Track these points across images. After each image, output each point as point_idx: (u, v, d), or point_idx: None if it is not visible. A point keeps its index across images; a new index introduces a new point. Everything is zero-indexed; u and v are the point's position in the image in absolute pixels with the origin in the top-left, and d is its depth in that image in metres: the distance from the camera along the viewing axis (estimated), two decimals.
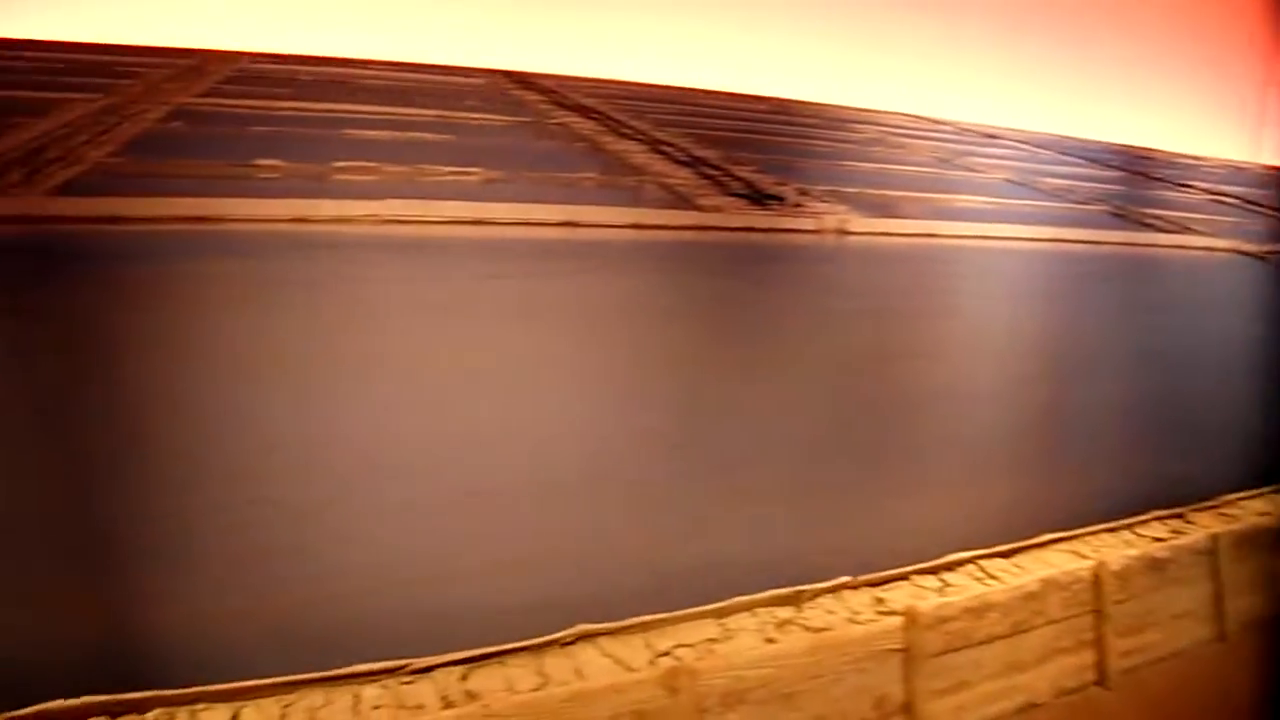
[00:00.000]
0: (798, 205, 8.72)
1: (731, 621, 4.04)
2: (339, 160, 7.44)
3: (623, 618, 3.77)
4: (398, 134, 9.46)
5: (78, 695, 2.84)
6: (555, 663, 3.50)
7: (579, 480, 4.28)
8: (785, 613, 4.18)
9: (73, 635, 3.06)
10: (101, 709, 2.83)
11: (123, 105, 6.70)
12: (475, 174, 8.90)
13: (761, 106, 16.93)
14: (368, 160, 8.01)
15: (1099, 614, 4.81)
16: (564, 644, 3.58)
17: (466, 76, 14.97)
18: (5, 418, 3.03)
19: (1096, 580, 4.82)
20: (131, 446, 3.59)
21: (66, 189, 4.69)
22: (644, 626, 3.83)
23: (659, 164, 10.11)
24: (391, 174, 8.19)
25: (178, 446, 3.70)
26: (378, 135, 9.06)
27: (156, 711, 2.88)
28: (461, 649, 3.37)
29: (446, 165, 8.98)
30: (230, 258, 4.56)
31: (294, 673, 3.03)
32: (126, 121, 6.37)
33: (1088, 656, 4.80)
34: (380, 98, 10.92)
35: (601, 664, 3.56)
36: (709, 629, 3.95)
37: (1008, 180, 12.46)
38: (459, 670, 3.32)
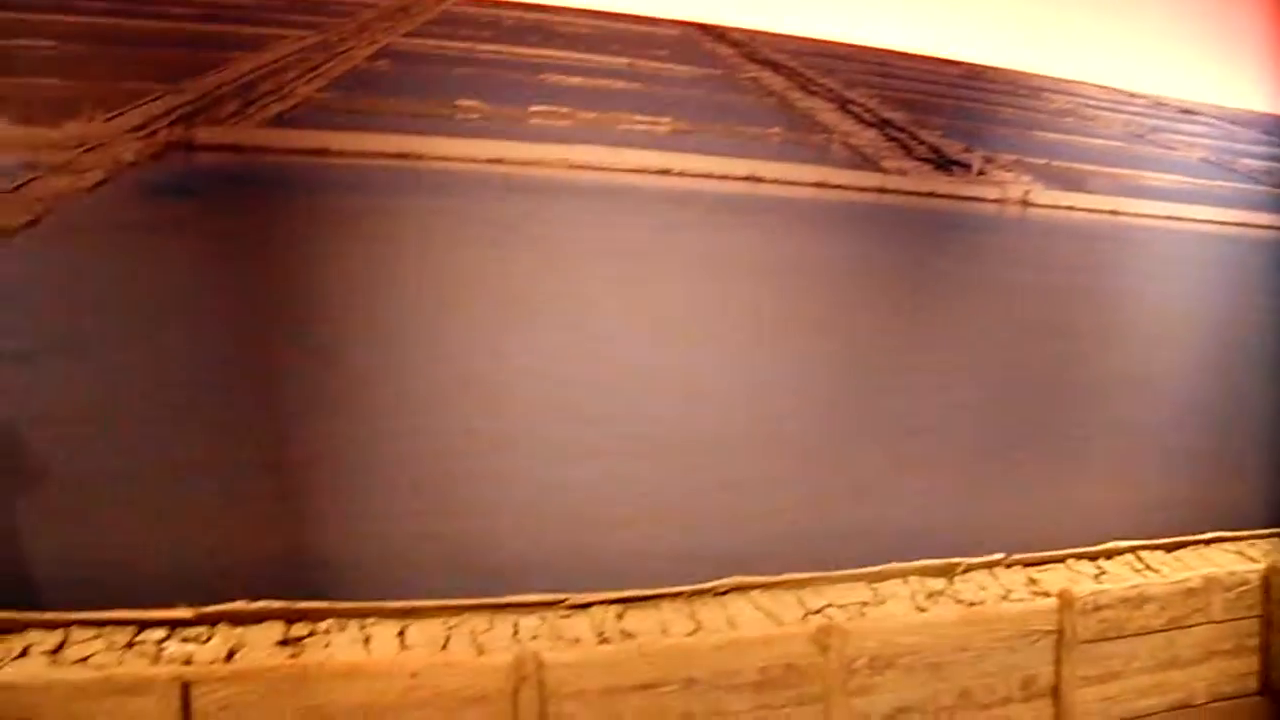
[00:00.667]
0: (982, 173, 8.25)
1: (883, 587, 3.98)
2: (535, 104, 7.40)
3: (776, 573, 3.75)
4: (592, 81, 9.39)
5: (258, 599, 2.93)
6: (707, 611, 3.52)
7: (743, 434, 4.28)
8: (937, 584, 4.08)
9: (258, 544, 3.17)
10: (278, 614, 2.92)
11: (333, 43, 6.81)
12: (664, 124, 8.75)
13: (953, 70, 16.13)
14: (562, 105, 7.95)
15: (1267, 621, 4.38)
16: (717, 593, 3.58)
17: (661, 27, 14.80)
18: (211, 334, 3.06)
19: (1266, 585, 4.39)
20: (328, 369, 3.66)
21: (278, 121, 4.77)
22: (797, 584, 3.80)
23: (846, 123, 9.73)
24: (584, 120, 8.12)
25: (374, 373, 3.74)
26: (573, 81, 9.00)
27: (329, 622, 2.96)
28: (617, 590, 3.40)
29: (637, 114, 8.87)
30: (429, 194, 4.55)
31: (458, 598, 3.07)
32: (336, 59, 6.46)
33: (1251, 663, 4.42)
34: (576, 44, 10.86)
35: (753, 616, 3.56)
36: (860, 592, 3.91)
37: (1202, 159, 11.52)
38: (615, 609, 3.35)
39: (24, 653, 2.72)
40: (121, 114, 3.01)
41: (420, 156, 5.12)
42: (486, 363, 4.07)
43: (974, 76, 16.46)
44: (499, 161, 5.69)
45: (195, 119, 3.10)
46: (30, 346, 2.94)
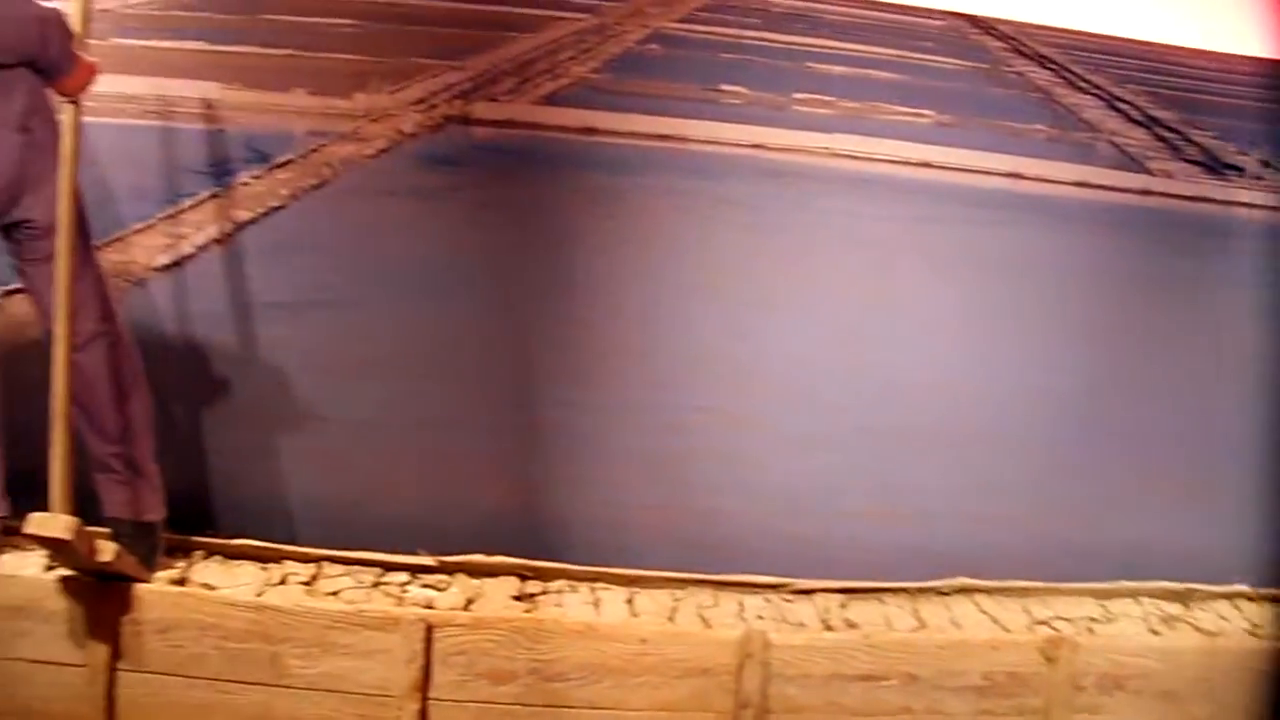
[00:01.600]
0: (1259, 178, 7.37)
1: (1114, 605, 3.76)
2: (798, 92, 7.28)
3: (1002, 579, 3.62)
4: (855, 70, 9.13)
5: (495, 554, 3.07)
6: (931, 609, 3.45)
7: (978, 435, 4.07)
8: (1173, 608, 3.80)
9: (498, 501, 3.31)
10: (514, 570, 3.06)
11: (608, 26, 6.96)
12: (926, 116, 8.39)
13: (1236, 68, 14.63)
14: (825, 94, 7.78)
15: None
16: (942, 593, 3.51)
17: (926, 18, 14.26)
18: (471, 298, 3.18)
19: None
20: (578, 338, 3.73)
21: (550, 100, 4.93)
22: (1024, 592, 3.65)
23: (1112, 121, 8.98)
24: (846, 109, 7.91)
25: (621, 345, 3.80)
26: (836, 70, 8.78)
27: (560, 582, 3.09)
28: (841, 579, 3.39)
29: (899, 105, 8.57)
30: (688, 175, 4.54)
31: (684, 571, 3.16)
32: (609, 41, 6.61)
33: None
34: (842, 34, 10.62)
35: (978, 619, 3.46)
36: (1090, 608, 3.71)
37: None
38: (838, 599, 3.35)
39: (283, 581, 2.93)
40: (405, 88, 3.19)
41: (683, 139, 5.15)
42: (729, 344, 4.06)
43: (1256, 74, 14.87)
44: (759, 147, 5.62)
45: (473, 95, 3.25)
46: (307, 299, 3.16)
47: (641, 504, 3.44)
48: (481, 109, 3.12)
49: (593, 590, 3.04)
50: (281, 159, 3.07)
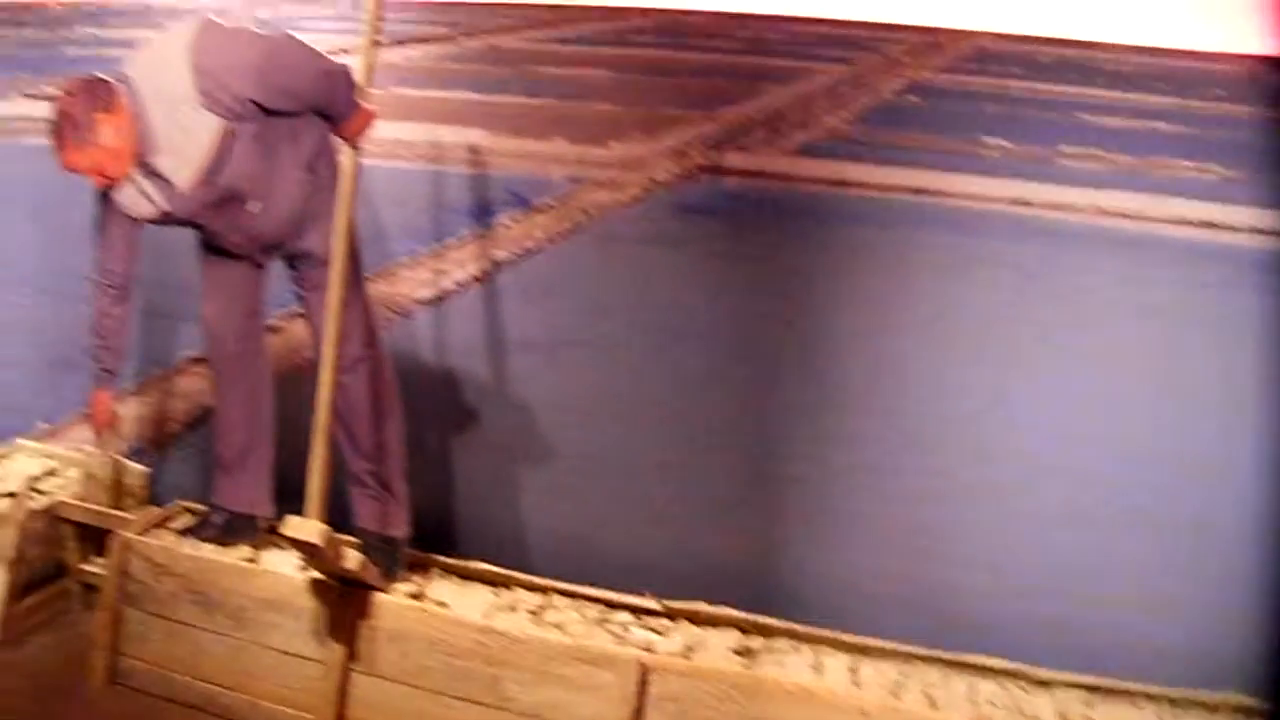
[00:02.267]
0: None
1: None
2: (1066, 145, 6.88)
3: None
4: (1132, 122, 8.55)
5: (718, 604, 2.98)
6: None
7: (1268, 527, 3.53)
8: None
9: (724, 551, 3.25)
10: (737, 623, 2.95)
11: (861, 77, 6.85)
12: (1213, 171, 7.72)
13: None
14: (1096, 148, 7.31)
15: None
16: (1208, 707, 2.92)
17: (1209, 62, 13.18)
18: (714, 345, 3.17)
19: None
20: (822, 393, 3.63)
21: (802, 150, 4.87)
22: None
23: None
24: (1119, 164, 7.40)
25: (865, 404, 3.67)
26: (1110, 122, 8.26)
27: (783, 641, 2.93)
28: (1088, 673, 2.94)
29: (1182, 159, 7.92)
30: (945, 231, 4.36)
31: (911, 643, 2.90)
32: (863, 92, 6.48)
33: None
34: (1118, 82, 9.98)
35: None
36: None
37: None
38: (1083, 694, 2.90)
39: (512, 607, 2.99)
40: (660, 138, 3.23)
41: (939, 193, 4.96)
42: (982, 409, 3.84)
43: None
44: (1023, 203, 5.33)
45: (725, 145, 3.24)
46: (557, 338, 3.24)
47: (876, 570, 3.32)
48: (733, 159, 3.11)
49: (816, 653, 2.91)
50: (540, 203, 3.18)
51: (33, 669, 3.43)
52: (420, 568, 3.20)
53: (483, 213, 3.23)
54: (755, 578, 3.17)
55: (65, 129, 2.78)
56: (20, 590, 3.50)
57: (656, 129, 3.20)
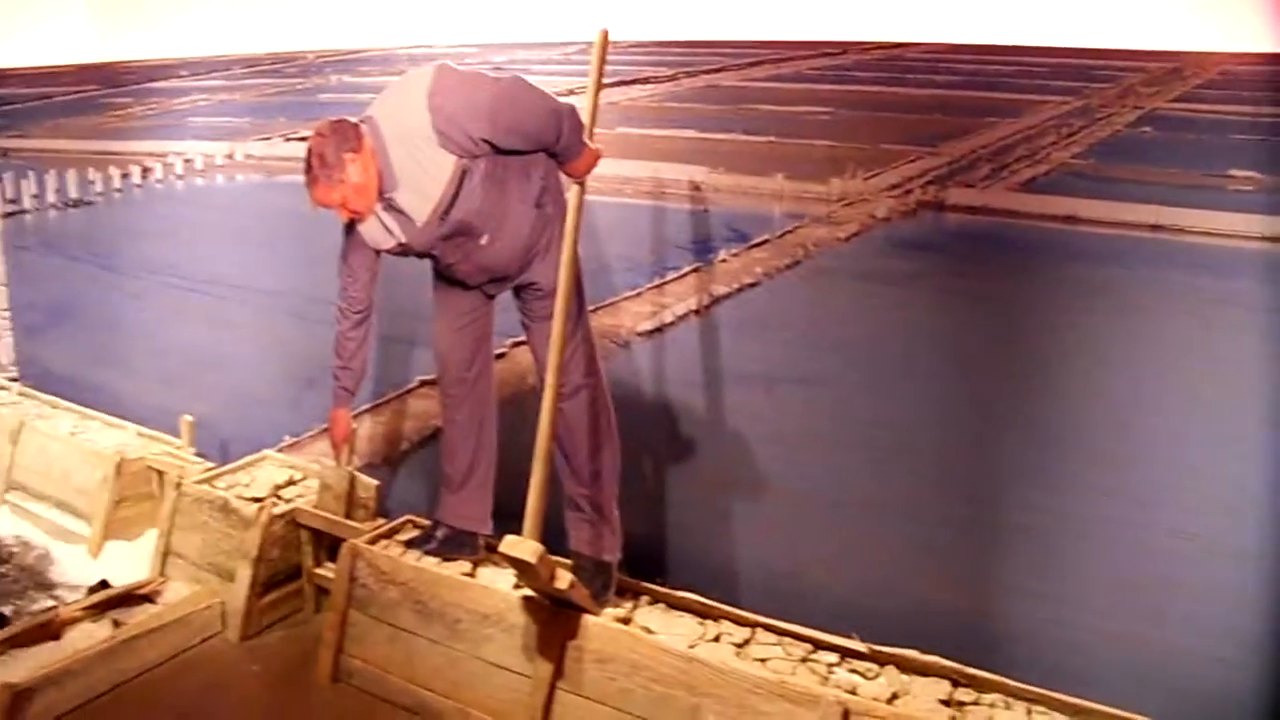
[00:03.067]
0: None
1: None
2: None
3: None
4: None
5: (928, 652, 2.90)
6: None
7: None
8: None
9: (936, 596, 3.20)
10: (946, 672, 2.87)
11: (1094, 108, 6.52)
12: None
13: None
14: None
15: None
16: None
17: None
18: (931, 384, 3.09)
19: None
20: (1048, 439, 3.47)
21: (1028, 186, 4.69)
22: None
23: None
24: None
25: (1095, 451, 3.48)
26: None
27: (994, 695, 2.81)
28: None
29: None
30: (1185, 270, 4.08)
31: (1136, 710, 2.71)
32: (1095, 125, 6.18)
33: None
34: None
35: None
36: None
37: None
38: None
39: (716, 638, 3.00)
40: (880, 174, 3.21)
41: (1179, 229, 4.65)
42: (1223, 463, 3.55)
43: None
44: (1276, 240, 4.93)
45: (948, 181, 3.18)
46: (774, 373, 3.24)
47: (1100, 628, 3.14)
48: (956, 195, 3.05)
49: (1029, 712, 2.77)
50: (759, 239, 3.21)
51: (268, 659, 3.73)
52: (629, 593, 3.27)
53: (702, 247, 3.29)
54: (968, 627, 3.06)
55: (316, 167, 3.02)
56: (261, 587, 3.82)
57: (877, 165, 3.17)
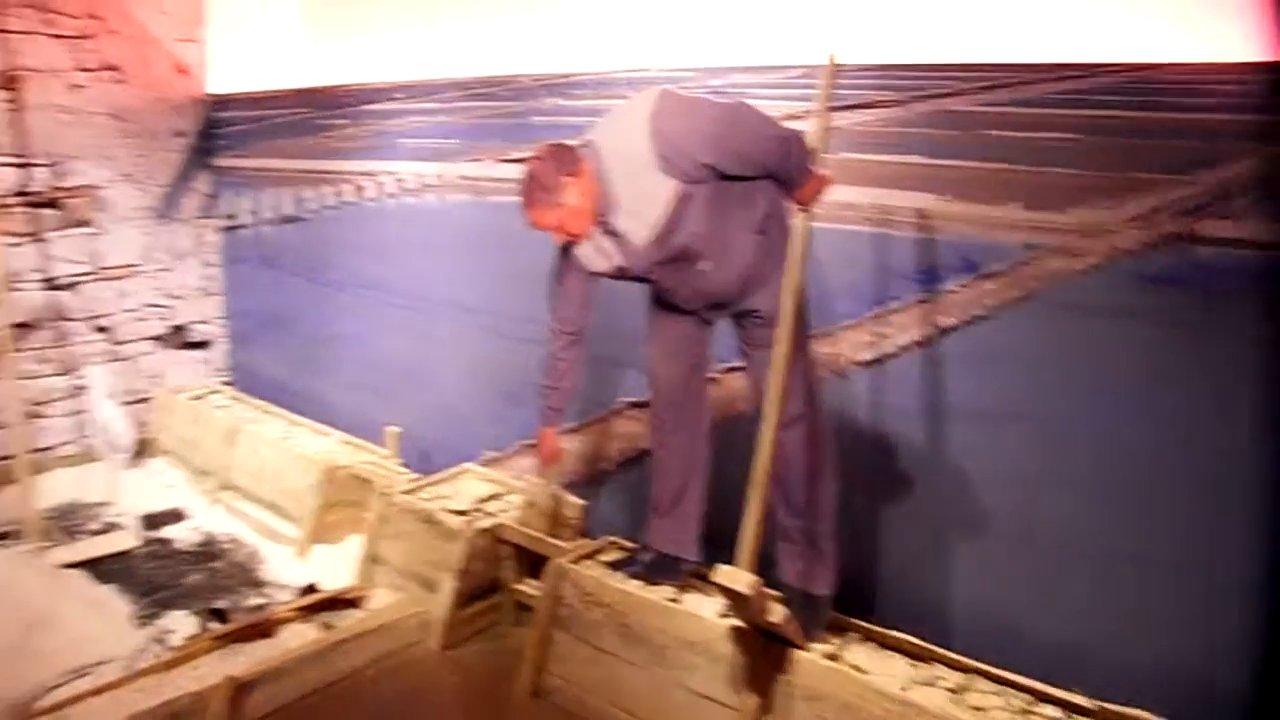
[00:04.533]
0: None
1: None
2: None
3: None
4: None
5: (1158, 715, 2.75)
6: None
7: None
8: None
9: (1172, 653, 2.96)
10: None
11: None
12: None
13: None
14: None
15: None
16: None
17: None
18: (1182, 427, 2.93)
19: None
20: None
21: None
22: None
23: None
24: None
25: None
26: None
27: None
28: None
29: None
30: None
31: None
32: None
33: None
34: None
35: None
36: None
37: None
38: None
39: (930, 682, 2.97)
40: (1125, 203, 3.09)
41: None
42: None
43: None
44: None
45: (1202, 211, 3.01)
46: (999, 410, 3.18)
47: None
48: (1210, 226, 2.92)
49: None
50: (990, 270, 3.15)
51: (467, 671, 3.91)
52: (840, 629, 3.31)
53: (929, 277, 3.25)
54: (1210, 691, 2.89)
55: (534, 189, 3.17)
56: (463, 599, 3.99)
57: (1122, 194, 3.03)
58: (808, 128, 3.08)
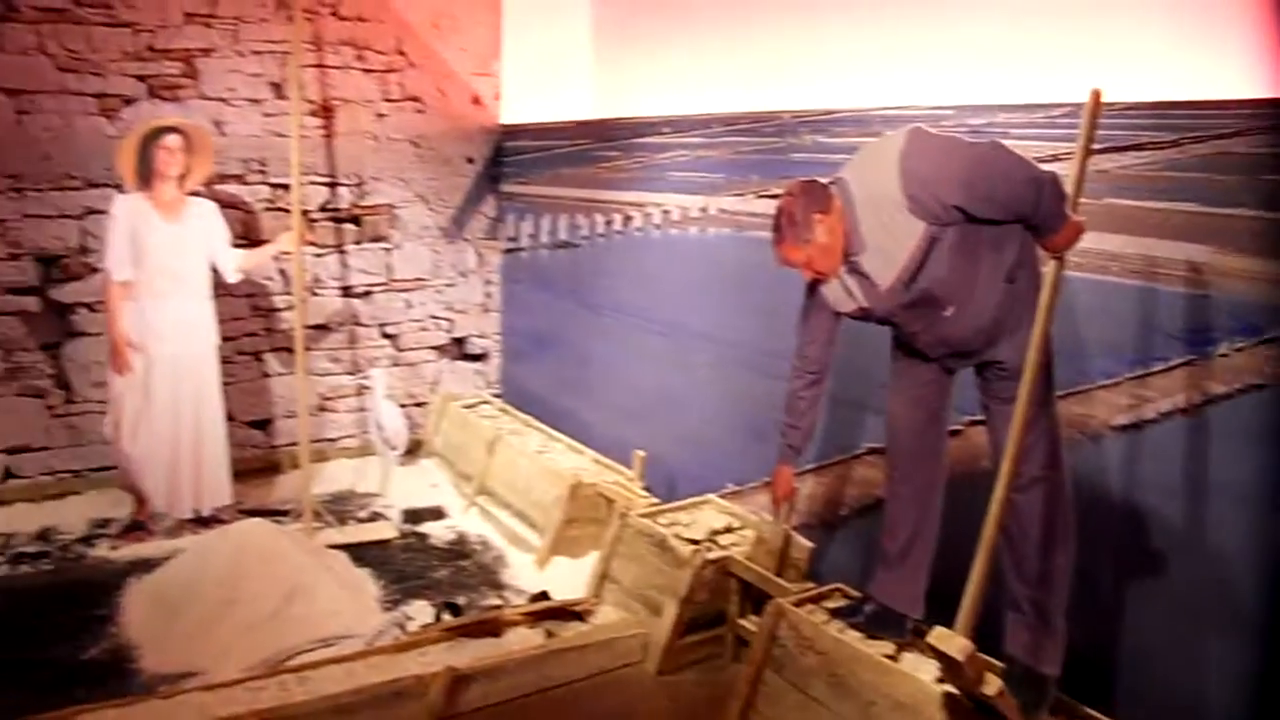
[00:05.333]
0: None
1: None
2: None
3: None
4: None
5: None
6: None
7: None
8: None
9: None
10: None
11: None
12: None
13: None
14: None
15: None
16: None
17: None
18: None
19: None
20: None
21: None
22: None
23: None
24: None
25: None
26: None
27: None
28: None
29: None
30: None
31: None
32: None
33: None
34: None
35: None
36: None
37: None
38: None
39: None
40: None
41: None
42: None
43: None
44: None
45: None
46: (1273, 493, 2.84)
47: None
48: None
49: None
50: (1274, 334, 2.82)
51: (679, 697, 3.94)
52: (1063, 712, 3.06)
53: (1199, 338, 2.95)
54: None
55: (785, 226, 3.17)
56: (684, 627, 4.03)
57: None
58: (1066, 170, 2.91)
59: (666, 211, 5.32)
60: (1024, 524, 3.02)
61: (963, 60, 3.69)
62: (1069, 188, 2.85)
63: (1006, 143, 2.99)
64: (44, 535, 5.33)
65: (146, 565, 4.84)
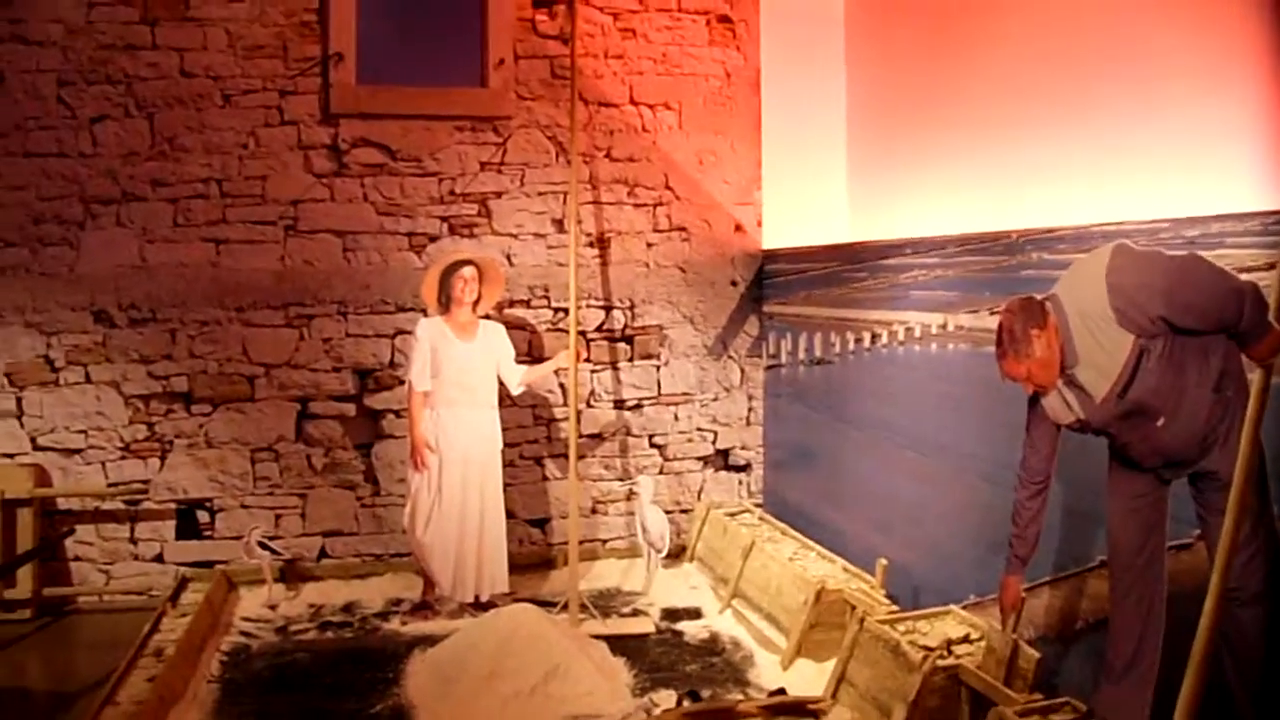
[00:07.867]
0: None
1: None
2: None
3: None
4: None
5: None
6: None
7: None
8: None
9: None
10: None
11: None
12: None
13: None
14: None
15: None
16: None
17: None
18: None
19: None
20: None
21: None
22: None
23: None
24: None
25: None
26: None
27: None
28: None
29: None
30: None
31: None
32: None
33: None
34: None
35: None
36: None
37: None
38: None
39: None
40: None
41: None
42: None
43: None
44: None
45: None
46: None
47: None
48: None
49: None
50: None
51: None
52: None
53: None
54: None
55: (1006, 341, 3.28)
56: None
57: None
58: (1266, 280, 2.85)
59: (910, 329, 5.43)
60: (1245, 643, 2.88)
61: (1177, 171, 3.68)
62: (1272, 296, 2.80)
63: (1220, 252, 2.99)
64: (348, 608, 6.09)
65: (429, 640, 5.38)
